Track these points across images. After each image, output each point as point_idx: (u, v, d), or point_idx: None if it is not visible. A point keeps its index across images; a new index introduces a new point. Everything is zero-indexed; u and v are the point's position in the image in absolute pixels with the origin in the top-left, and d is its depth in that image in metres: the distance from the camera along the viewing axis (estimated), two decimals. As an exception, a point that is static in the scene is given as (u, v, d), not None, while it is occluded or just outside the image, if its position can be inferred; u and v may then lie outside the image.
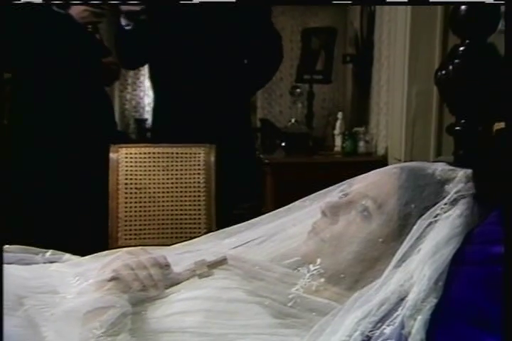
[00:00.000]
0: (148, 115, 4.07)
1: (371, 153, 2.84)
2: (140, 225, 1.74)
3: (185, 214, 1.79)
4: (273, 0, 2.45)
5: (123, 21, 1.98)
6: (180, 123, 2.02)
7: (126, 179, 1.74)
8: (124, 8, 1.97)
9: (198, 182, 1.79)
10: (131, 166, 1.75)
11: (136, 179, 1.75)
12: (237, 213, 2.20)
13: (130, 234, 1.72)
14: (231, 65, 2.06)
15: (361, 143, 2.82)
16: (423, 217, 0.77)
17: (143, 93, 4.44)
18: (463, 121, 1.21)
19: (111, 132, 2.13)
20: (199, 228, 1.79)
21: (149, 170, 1.78)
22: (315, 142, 2.92)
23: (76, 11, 1.97)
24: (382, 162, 2.56)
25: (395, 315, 0.66)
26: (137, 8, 1.96)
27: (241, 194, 2.27)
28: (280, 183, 2.57)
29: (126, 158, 1.75)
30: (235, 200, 2.24)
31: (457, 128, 1.22)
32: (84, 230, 1.87)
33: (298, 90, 3.15)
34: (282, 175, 2.62)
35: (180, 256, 0.91)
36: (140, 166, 1.77)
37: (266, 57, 2.12)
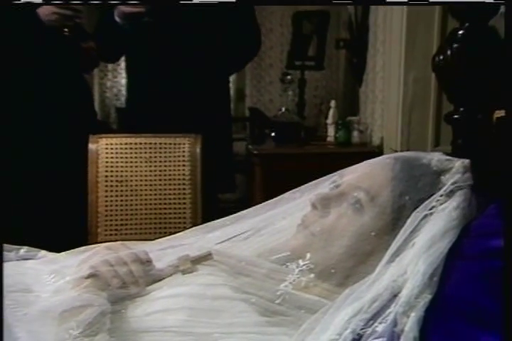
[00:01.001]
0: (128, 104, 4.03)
1: (366, 144, 2.84)
2: (121, 220, 1.74)
3: (170, 208, 1.78)
4: (273, 0, 2.48)
5: (118, 20, 1.96)
6: (157, 112, 2.03)
7: (107, 171, 1.73)
8: (125, 9, 1.91)
9: (183, 175, 1.79)
10: (111, 157, 1.74)
11: (117, 171, 1.74)
12: (225, 206, 2.21)
13: (111, 230, 1.71)
14: (207, 50, 2.06)
15: (355, 133, 2.82)
16: (418, 209, 0.77)
17: (124, 80, 4.40)
18: (462, 109, 1.21)
19: (90, 121, 2.11)
20: (184, 223, 1.78)
21: (131, 162, 1.77)
22: (306, 132, 2.91)
23: (43, 12, 1.82)
24: (377, 153, 2.56)
25: (387, 312, 0.67)
26: (142, 9, 1.91)
27: (227, 186, 2.27)
28: (269, 175, 2.57)
29: (107, 148, 1.74)
30: (222, 193, 2.25)
31: (456, 116, 1.23)
32: (62, 225, 1.86)
33: (289, 77, 3.13)
34: (272, 166, 2.62)
35: (163, 251, 0.91)
36: (121, 157, 1.76)
37: (242, 41, 2.12)
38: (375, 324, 0.66)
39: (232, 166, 2.30)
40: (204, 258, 0.84)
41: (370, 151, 2.62)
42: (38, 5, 1.77)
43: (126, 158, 1.76)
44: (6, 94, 1.83)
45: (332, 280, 0.79)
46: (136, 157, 1.77)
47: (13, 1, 1.17)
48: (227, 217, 0.97)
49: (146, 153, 1.78)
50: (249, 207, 0.98)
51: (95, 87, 4.23)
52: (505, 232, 0.65)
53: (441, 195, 0.78)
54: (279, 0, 2.74)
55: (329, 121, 3.00)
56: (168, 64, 2.03)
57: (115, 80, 4.44)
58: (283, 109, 2.93)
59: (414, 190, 0.79)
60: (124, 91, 4.38)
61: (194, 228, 0.98)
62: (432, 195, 0.79)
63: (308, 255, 0.81)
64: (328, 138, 2.97)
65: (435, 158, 0.84)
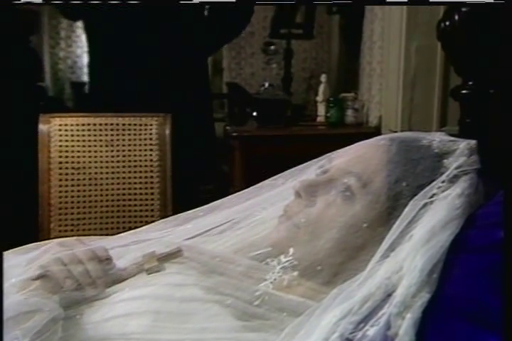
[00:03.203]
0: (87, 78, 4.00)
1: (361, 124, 2.85)
2: (78, 213, 1.73)
3: (135, 200, 1.78)
4: (272, 0, 2.51)
5: None
6: (123, 89, 2.01)
7: (61, 156, 1.72)
8: None
9: (151, 160, 1.79)
10: (66, 141, 1.73)
11: (72, 157, 1.74)
12: (199, 197, 2.21)
13: (66, 225, 1.71)
14: (184, 18, 2.04)
15: (349, 112, 2.83)
16: (416, 197, 0.78)
17: (80, 50, 4.35)
18: (471, 82, 1.22)
19: (40, 98, 2.10)
20: (152, 216, 1.79)
21: (89, 146, 1.76)
22: (293, 111, 2.91)
23: None
24: (374, 134, 2.56)
25: (380, 313, 0.67)
26: None
27: (203, 173, 2.28)
28: (251, 161, 2.57)
29: (60, 130, 1.73)
30: (196, 181, 2.25)
31: (464, 91, 1.24)
32: (8, 220, 1.84)
33: (273, 47, 3.13)
34: (254, 150, 2.61)
35: (125, 247, 0.91)
36: (78, 140, 1.75)
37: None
38: (366, 327, 0.67)
39: (214, 151, 2.30)
40: (173, 255, 0.84)
41: (366, 133, 2.63)
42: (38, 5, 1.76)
43: (84, 141, 1.75)
44: None
45: (318, 279, 0.80)
46: (95, 140, 1.76)
47: (13, 1, 1.24)
48: (199, 208, 0.98)
49: (107, 135, 1.78)
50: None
51: (45, 58, 4.18)
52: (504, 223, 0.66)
53: (443, 181, 0.79)
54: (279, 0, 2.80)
55: (319, 98, 3.00)
56: (137, 31, 2.00)
57: (69, 50, 4.39)
58: (266, 85, 2.92)
59: (412, 175, 0.80)
60: (80, 62, 4.34)
61: (162, 220, 0.99)
62: (432, 181, 0.79)
63: (291, 250, 0.82)
64: (319, 118, 2.98)
65: (437, 138, 0.85)
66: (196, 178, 2.28)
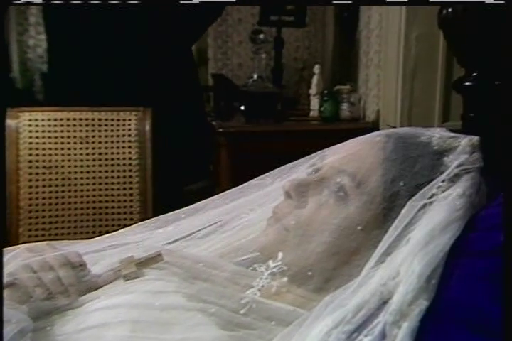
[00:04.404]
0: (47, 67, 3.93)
1: (358, 119, 2.86)
2: (50, 217, 1.73)
3: (113, 201, 1.79)
4: (272, 0, 2.51)
5: None
6: (97, 79, 2.01)
7: (31, 154, 1.72)
8: None
9: (130, 159, 1.79)
10: (36, 137, 1.73)
11: (43, 154, 1.74)
12: (183, 198, 2.21)
13: (36, 229, 1.71)
14: None
15: (345, 106, 2.84)
16: (414, 197, 0.79)
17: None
18: (475, 73, 1.23)
19: (7, 91, 2.09)
20: (131, 219, 1.79)
21: (62, 143, 1.76)
22: (284, 104, 2.91)
23: None
24: (371, 130, 2.57)
25: (374, 322, 0.68)
26: None
27: (187, 172, 2.28)
28: (238, 158, 2.58)
29: (30, 125, 1.73)
30: (179, 181, 2.25)
31: (467, 83, 1.24)
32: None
33: (262, 36, 3.13)
34: (241, 147, 2.61)
35: (101, 252, 0.91)
36: (49, 137, 1.75)
37: None
38: (360, 337, 0.67)
39: (203, 149, 2.30)
40: (152, 260, 0.84)
41: (362, 128, 2.63)
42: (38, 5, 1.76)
43: (56, 137, 1.75)
44: None
45: (309, 285, 0.81)
46: (68, 136, 1.77)
47: (13, 1, 1.26)
48: (181, 209, 0.98)
49: (81, 131, 1.78)
50: (212, 198, 1.00)
51: (13, 46, 4.14)
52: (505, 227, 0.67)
53: (443, 180, 0.80)
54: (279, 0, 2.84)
55: (312, 90, 3.01)
56: (109, 20, 2.00)
57: (39, 37, 4.35)
58: (255, 76, 2.92)
59: (410, 174, 0.81)
60: (52, 52, 4.31)
61: (141, 223, 0.99)
62: (431, 180, 0.80)
63: (280, 254, 0.82)
64: (312, 113, 2.98)
65: (436, 134, 0.86)
66: (182, 178, 2.28)
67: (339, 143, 0.92)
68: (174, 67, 2.14)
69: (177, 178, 2.15)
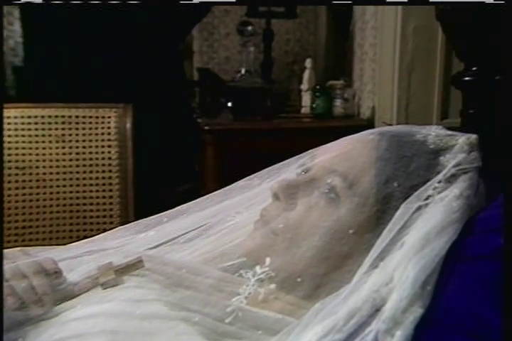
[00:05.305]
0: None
1: (352, 116, 2.88)
2: (24, 221, 1.73)
3: (91, 204, 1.78)
4: (272, 0, 2.53)
5: None
6: (75, 73, 2.00)
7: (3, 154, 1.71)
8: None
9: (109, 158, 1.79)
10: (9, 136, 1.73)
11: (17, 154, 1.73)
12: (167, 201, 2.21)
13: (9, 235, 1.71)
14: None
15: (338, 102, 2.85)
16: (409, 199, 0.79)
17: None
18: (474, 68, 1.23)
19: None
20: (111, 223, 1.79)
21: (37, 142, 1.76)
22: (274, 101, 2.92)
23: None
24: (366, 127, 2.57)
25: (367, 330, 0.68)
26: None
27: (172, 173, 2.27)
28: (225, 157, 2.58)
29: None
30: (163, 182, 2.25)
31: (467, 78, 1.25)
32: None
33: (250, 28, 3.14)
34: (229, 146, 2.62)
35: (78, 258, 0.91)
36: (23, 136, 1.74)
37: None
38: (352, 346, 0.68)
39: (191, 149, 2.29)
40: (132, 266, 0.84)
41: (357, 126, 2.65)
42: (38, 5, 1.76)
43: (30, 136, 1.75)
44: None
45: (298, 292, 0.81)
46: (43, 135, 1.76)
47: (13, 1, 1.27)
48: (163, 213, 0.98)
49: (57, 129, 1.78)
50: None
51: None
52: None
53: (439, 181, 0.80)
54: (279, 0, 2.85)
55: (304, 86, 3.01)
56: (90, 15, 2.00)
57: (11, 28, 4.33)
58: (243, 71, 2.93)
59: (404, 174, 0.81)
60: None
61: (121, 227, 0.99)
62: (427, 181, 0.80)
63: (268, 260, 0.83)
64: (303, 109, 2.99)
65: (433, 133, 0.86)
66: (167, 179, 2.28)
67: (332, 141, 0.92)
68: (157, 61, 2.14)
69: (161, 180, 2.15)
